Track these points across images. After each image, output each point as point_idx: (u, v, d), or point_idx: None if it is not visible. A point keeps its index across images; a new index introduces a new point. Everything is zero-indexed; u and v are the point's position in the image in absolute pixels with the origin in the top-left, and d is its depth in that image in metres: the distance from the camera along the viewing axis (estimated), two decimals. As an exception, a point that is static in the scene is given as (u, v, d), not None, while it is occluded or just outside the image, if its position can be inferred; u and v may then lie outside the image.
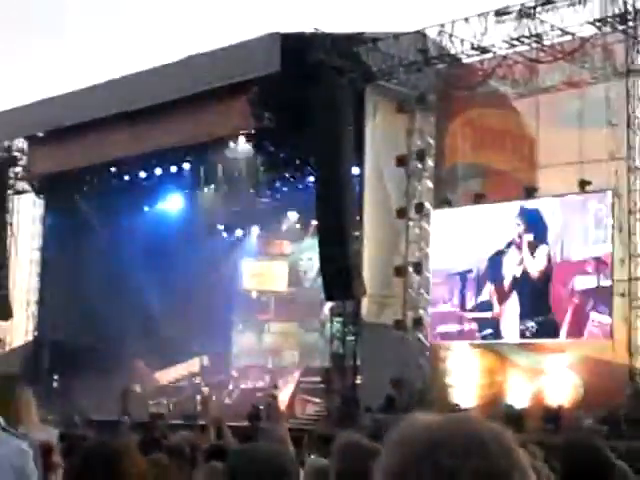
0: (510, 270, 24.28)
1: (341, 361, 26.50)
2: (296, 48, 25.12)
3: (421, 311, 26.02)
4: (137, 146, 29.98)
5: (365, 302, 25.85)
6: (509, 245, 24.34)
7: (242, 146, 29.27)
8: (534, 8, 23.06)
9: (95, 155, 31.58)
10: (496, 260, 24.51)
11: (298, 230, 37.29)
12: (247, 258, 40.26)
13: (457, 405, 23.59)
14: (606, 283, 22.17)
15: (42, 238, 35.71)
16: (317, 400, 29.49)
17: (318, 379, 29.25)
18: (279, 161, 30.11)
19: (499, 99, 25.81)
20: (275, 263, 40.16)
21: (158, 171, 32.53)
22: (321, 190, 25.65)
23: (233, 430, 8.60)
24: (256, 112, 26.86)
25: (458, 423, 1.38)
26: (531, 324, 23.66)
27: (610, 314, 22.05)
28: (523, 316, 23.85)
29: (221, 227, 38.17)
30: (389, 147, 26.52)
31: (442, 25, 24.74)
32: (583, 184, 22.85)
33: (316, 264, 29.37)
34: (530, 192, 24.16)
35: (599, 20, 22.38)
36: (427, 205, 26.38)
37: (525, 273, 23.89)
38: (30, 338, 34.95)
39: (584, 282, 22.58)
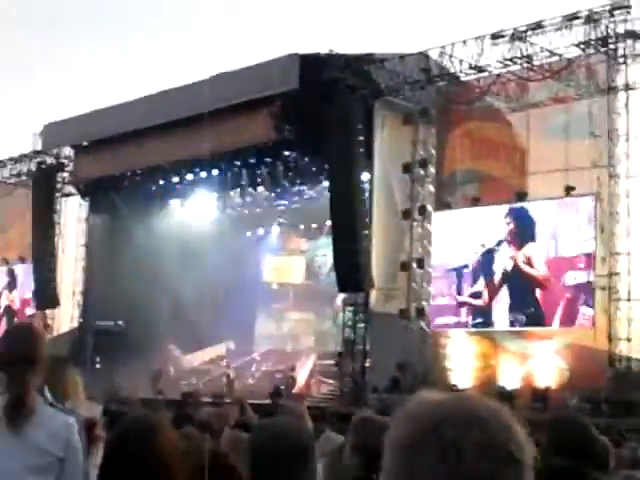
0: (500, 266, 24.29)
1: (352, 346, 26.49)
2: (313, 67, 25.23)
3: (423, 302, 26.02)
4: (171, 154, 30.06)
5: (373, 294, 25.86)
6: (499, 243, 24.36)
7: (263, 154, 29.33)
8: (525, 32, 23.22)
9: (133, 162, 31.80)
10: (488, 257, 24.53)
11: (314, 229, 37.24)
12: (268, 254, 40.24)
13: (455, 386, 23.54)
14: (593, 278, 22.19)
15: (86, 236, 35.82)
16: (330, 381, 29.51)
17: (332, 362, 29.27)
18: (297, 168, 30.09)
19: (494, 113, 25.80)
20: (293, 258, 40.11)
21: (189, 176, 32.52)
22: (335, 194, 25.63)
23: (255, 407, 8.60)
24: (277, 125, 26.87)
25: (460, 400, 1.38)
26: (521, 317, 23.64)
27: (593, 306, 22.06)
28: (513, 309, 23.85)
29: (245, 226, 38.19)
30: (395, 156, 26.49)
31: (443, 47, 24.79)
32: (568, 189, 22.88)
33: (330, 260, 29.37)
34: (521, 196, 24.17)
35: (583, 43, 22.52)
36: (429, 207, 26.37)
37: (515, 268, 23.87)
38: (75, 324, 35.06)
39: (576, 277, 22.55)
